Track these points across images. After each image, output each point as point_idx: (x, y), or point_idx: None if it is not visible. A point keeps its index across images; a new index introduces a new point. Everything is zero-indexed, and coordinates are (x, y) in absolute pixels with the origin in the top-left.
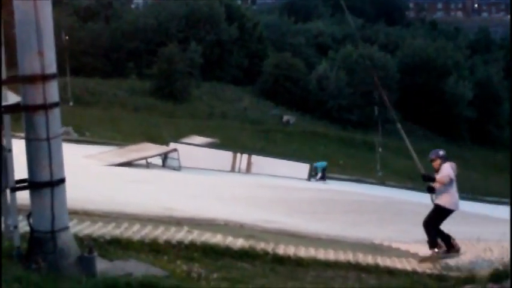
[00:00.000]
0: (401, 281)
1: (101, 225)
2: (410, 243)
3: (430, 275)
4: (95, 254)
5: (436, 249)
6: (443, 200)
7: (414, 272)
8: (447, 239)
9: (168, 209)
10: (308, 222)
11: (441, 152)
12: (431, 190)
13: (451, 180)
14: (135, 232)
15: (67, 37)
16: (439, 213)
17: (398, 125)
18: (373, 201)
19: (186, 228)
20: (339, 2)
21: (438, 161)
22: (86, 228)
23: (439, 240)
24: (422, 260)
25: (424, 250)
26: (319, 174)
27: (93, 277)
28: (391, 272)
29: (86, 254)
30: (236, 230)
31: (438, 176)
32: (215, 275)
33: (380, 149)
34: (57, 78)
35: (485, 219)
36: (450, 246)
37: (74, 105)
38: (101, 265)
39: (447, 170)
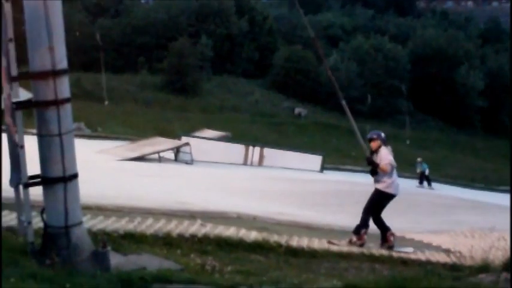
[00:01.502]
0: (415, 271)
1: (114, 219)
2: (424, 234)
3: (444, 265)
4: (109, 248)
5: (354, 238)
6: (383, 185)
7: (428, 262)
8: (385, 230)
9: (181, 202)
10: (321, 214)
11: (382, 134)
12: (374, 173)
13: (392, 168)
14: (148, 226)
15: (77, 33)
16: (379, 198)
17: (343, 102)
18: None
19: (199, 221)
20: None
21: (378, 142)
22: (99, 223)
23: (364, 234)
24: (330, 242)
25: (438, 240)
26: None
27: (107, 272)
28: (404, 262)
29: (99, 249)
30: (249, 223)
31: (381, 164)
32: (229, 268)
33: (408, 141)
34: (69, 74)
35: (499, 209)
36: (385, 239)
37: (85, 101)
38: (115, 259)
39: (387, 157)
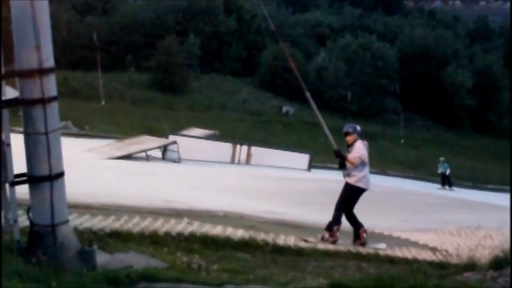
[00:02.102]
0: (401, 269)
1: (101, 218)
2: (411, 232)
3: (430, 263)
4: (95, 247)
5: (326, 235)
6: (354, 179)
7: (414, 260)
8: (358, 227)
9: (168, 201)
10: (308, 213)
11: (358, 128)
12: (342, 166)
13: (362, 162)
14: (135, 224)
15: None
16: (349, 192)
17: (307, 94)
18: (374, 190)
19: (186, 219)
20: None
21: (353, 136)
22: (86, 222)
23: (336, 231)
24: (305, 239)
25: (425, 238)
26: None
27: (94, 270)
28: (391, 260)
29: (86, 247)
30: (236, 221)
31: (350, 156)
32: (215, 266)
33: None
34: (56, 72)
35: (486, 207)
36: (357, 236)
37: (73, 99)
38: (101, 258)
39: (359, 151)
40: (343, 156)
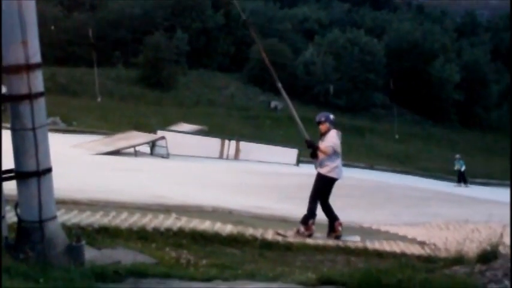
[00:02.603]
0: (389, 264)
1: (89, 214)
2: (399, 226)
3: (418, 257)
4: (83, 242)
5: (302, 228)
6: (326, 169)
7: (403, 254)
8: (333, 219)
9: (157, 196)
10: (297, 208)
11: (331, 116)
12: (314, 156)
13: (334, 152)
14: (123, 220)
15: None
16: (322, 183)
17: (279, 85)
18: (362, 185)
19: (174, 215)
20: None
21: (326, 125)
22: (74, 217)
23: (312, 224)
24: (278, 233)
25: (413, 232)
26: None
27: (82, 266)
28: (379, 254)
29: (74, 243)
30: (225, 216)
31: (322, 146)
32: (204, 261)
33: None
34: (43, 68)
35: (473, 201)
36: (332, 229)
37: (60, 95)
38: (89, 254)
39: (332, 140)
40: (315, 146)
